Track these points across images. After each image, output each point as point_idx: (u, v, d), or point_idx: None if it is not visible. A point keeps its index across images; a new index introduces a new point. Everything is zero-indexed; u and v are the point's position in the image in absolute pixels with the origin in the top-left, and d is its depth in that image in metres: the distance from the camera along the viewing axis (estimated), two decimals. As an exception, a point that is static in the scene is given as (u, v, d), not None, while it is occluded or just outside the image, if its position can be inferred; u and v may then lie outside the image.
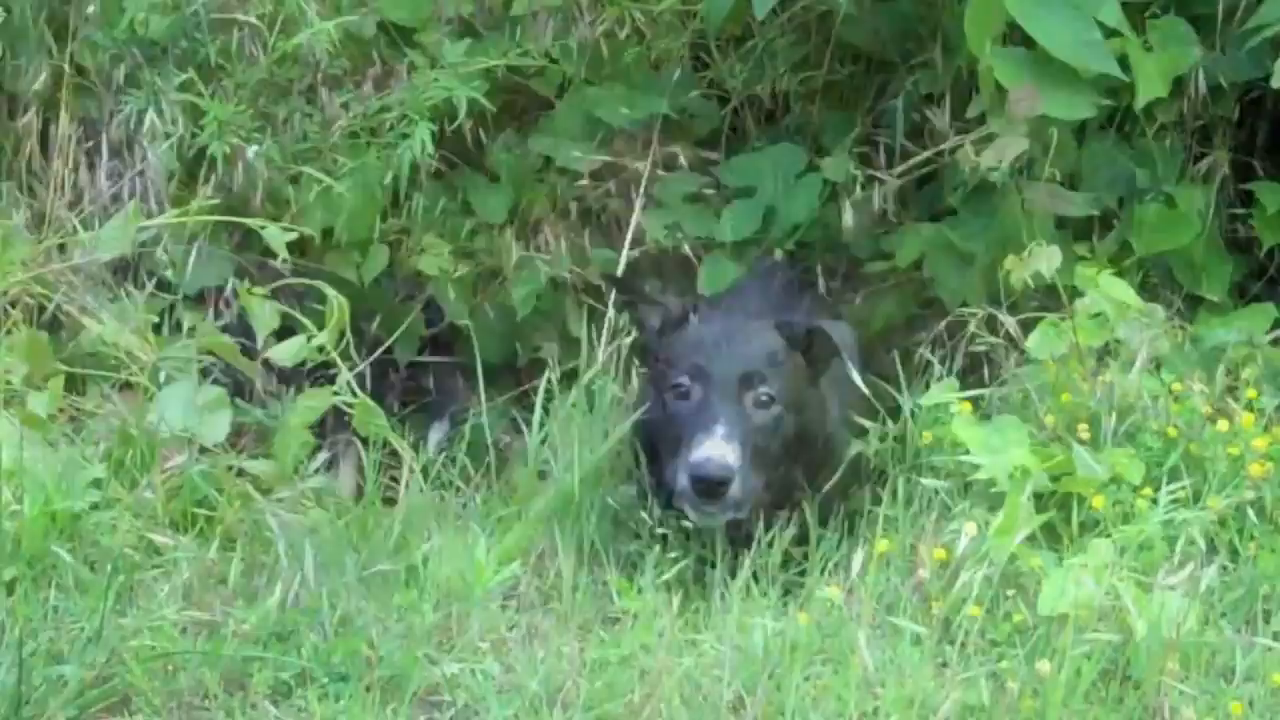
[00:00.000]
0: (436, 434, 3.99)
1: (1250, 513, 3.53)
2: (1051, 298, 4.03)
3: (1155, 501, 3.52)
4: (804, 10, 4.78)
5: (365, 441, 3.79)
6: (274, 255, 4.02)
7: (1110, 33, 4.19)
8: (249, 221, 4.09)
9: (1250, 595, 3.33)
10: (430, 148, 4.32)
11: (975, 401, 3.91)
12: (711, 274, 4.52)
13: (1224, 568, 3.39)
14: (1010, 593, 3.37)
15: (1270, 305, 4.22)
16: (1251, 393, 3.84)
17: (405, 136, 4.35)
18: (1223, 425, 3.74)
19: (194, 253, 4.28)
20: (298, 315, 3.93)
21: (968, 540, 3.36)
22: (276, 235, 3.96)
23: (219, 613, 3.25)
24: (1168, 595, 3.20)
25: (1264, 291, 4.46)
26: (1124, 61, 4.23)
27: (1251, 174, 4.61)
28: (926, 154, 4.46)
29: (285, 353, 3.85)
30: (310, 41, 4.40)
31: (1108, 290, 4.05)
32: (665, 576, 3.45)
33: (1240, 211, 4.57)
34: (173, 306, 4.24)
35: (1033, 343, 4.04)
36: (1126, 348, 3.99)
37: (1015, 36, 4.22)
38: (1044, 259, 4.03)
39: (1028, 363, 4.04)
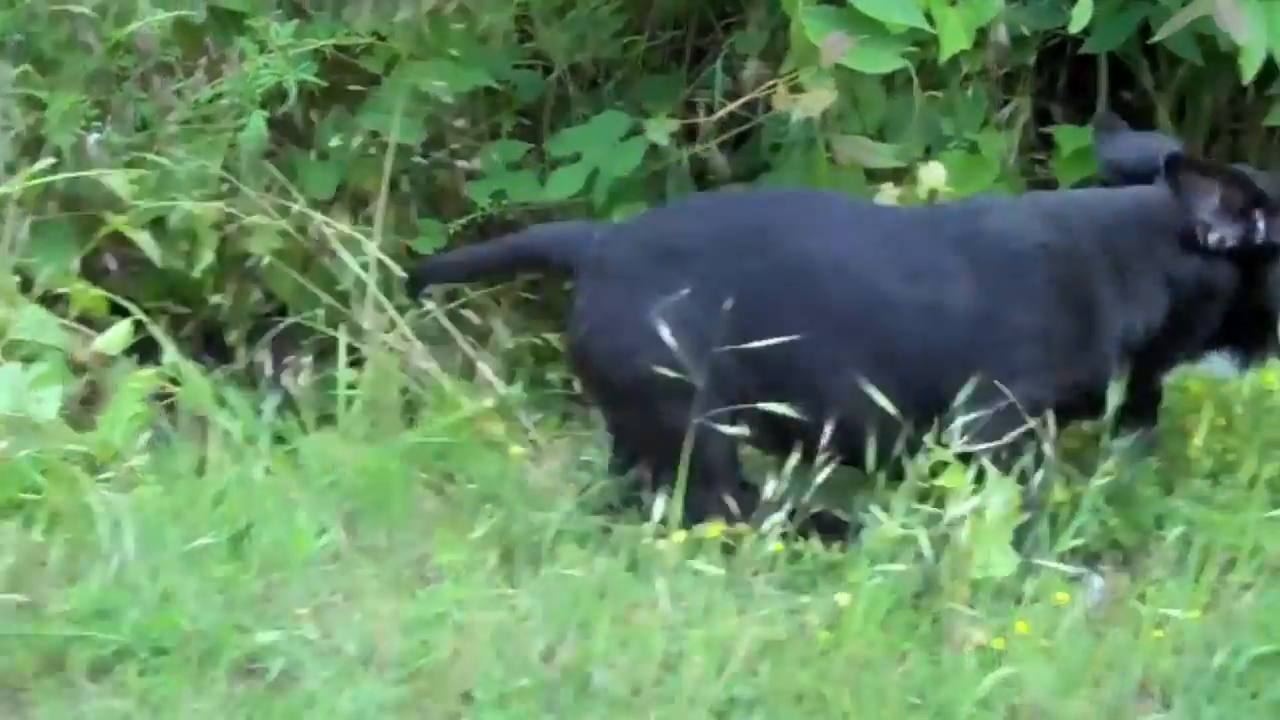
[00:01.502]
0: (269, 406, 3.99)
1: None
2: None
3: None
4: (626, -22, 4.82)
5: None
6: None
7: (918, -13, 4.24)
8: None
9: (1034, 522, 3.38)
10: (265, 135, 4.33)
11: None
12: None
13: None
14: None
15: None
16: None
17: (240, 125, 4.36)
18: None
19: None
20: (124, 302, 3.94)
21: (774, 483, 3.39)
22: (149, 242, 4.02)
23: (42, 595, 3.26)
24: (958, 526, 3.25)
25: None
26: (930, 15, 4.27)
27: (1052, 119, 4.69)
28: (737, 104, 4.46)
29: (112, 341, 3.88)
30: (144, 30, 4.40)
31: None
32: (478, 533, 3.48)
33: (1040, 156, 4.63)
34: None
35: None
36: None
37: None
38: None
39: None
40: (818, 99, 4.21)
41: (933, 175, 4.24)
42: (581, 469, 3.87)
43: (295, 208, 4.35)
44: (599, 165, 4.58)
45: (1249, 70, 4.12)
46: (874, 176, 4.41)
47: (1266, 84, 4.38)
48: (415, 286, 4.21)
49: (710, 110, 4.58)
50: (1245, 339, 3.56)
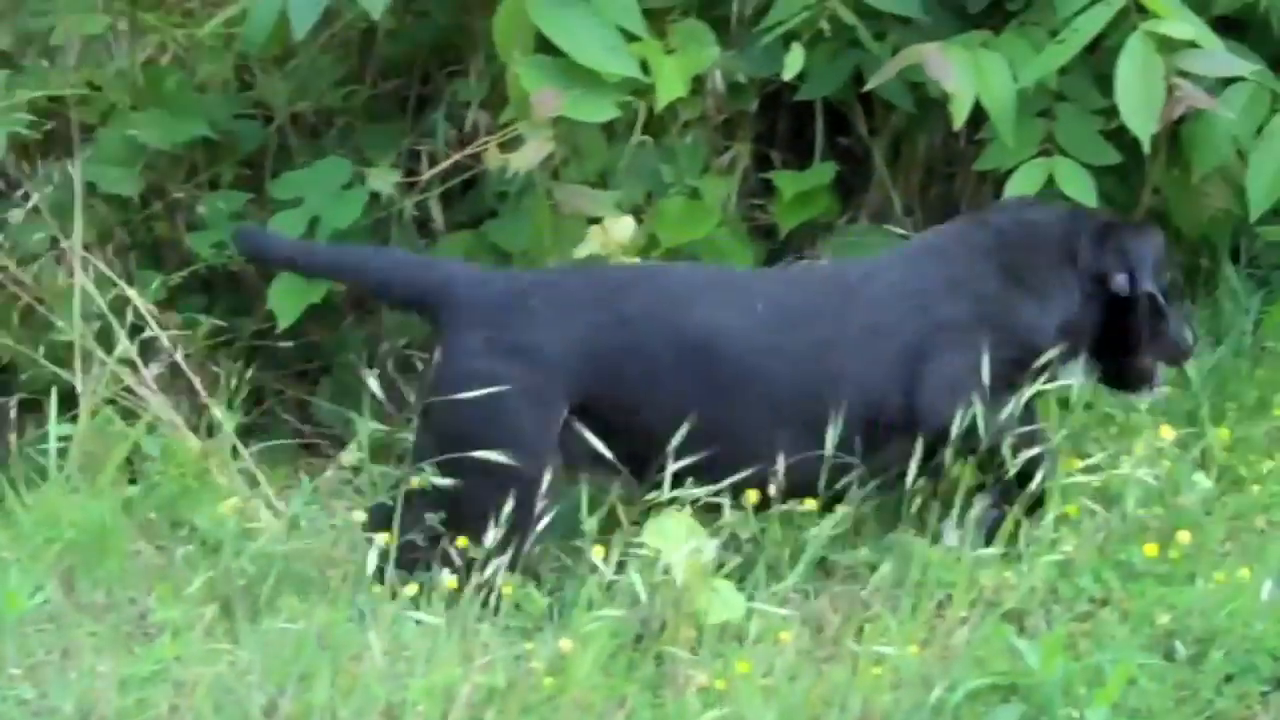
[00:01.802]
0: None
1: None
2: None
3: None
4: (345, 27, 4.79)
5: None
6: None
7: (633, 38, 4.25)
8: None
9: (752, 563, 3.41)
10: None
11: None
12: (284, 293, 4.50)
13: (731, 539, 3.45)
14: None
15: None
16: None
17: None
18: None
19: None
20: None
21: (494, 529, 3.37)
22: None
23: None
24: (674, 569, 3.26)
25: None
26: (647, 64, 4.30)
27: (772, 164, 4.75)
28: (456, 158, 4.45)
29: None
30: None
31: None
32: (195, 586, 3.42)
33: (761, 201, 4.68)
34: None
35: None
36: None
37: (546, 45, 4.26)
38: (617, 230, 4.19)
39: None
40: (536, 149, 4.22)
41: (622, 228, 4.23)
42: (308, 519, 3.81)
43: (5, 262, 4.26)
44: (320, 213, 4.53)
45: (958, 117, 4.21)
46: (597, 222, 4.42)
47: (977, 129, 4.47)
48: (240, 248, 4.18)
49: (433, 158, 4.56)
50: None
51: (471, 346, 3.56)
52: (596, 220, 4.39)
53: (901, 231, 4.53)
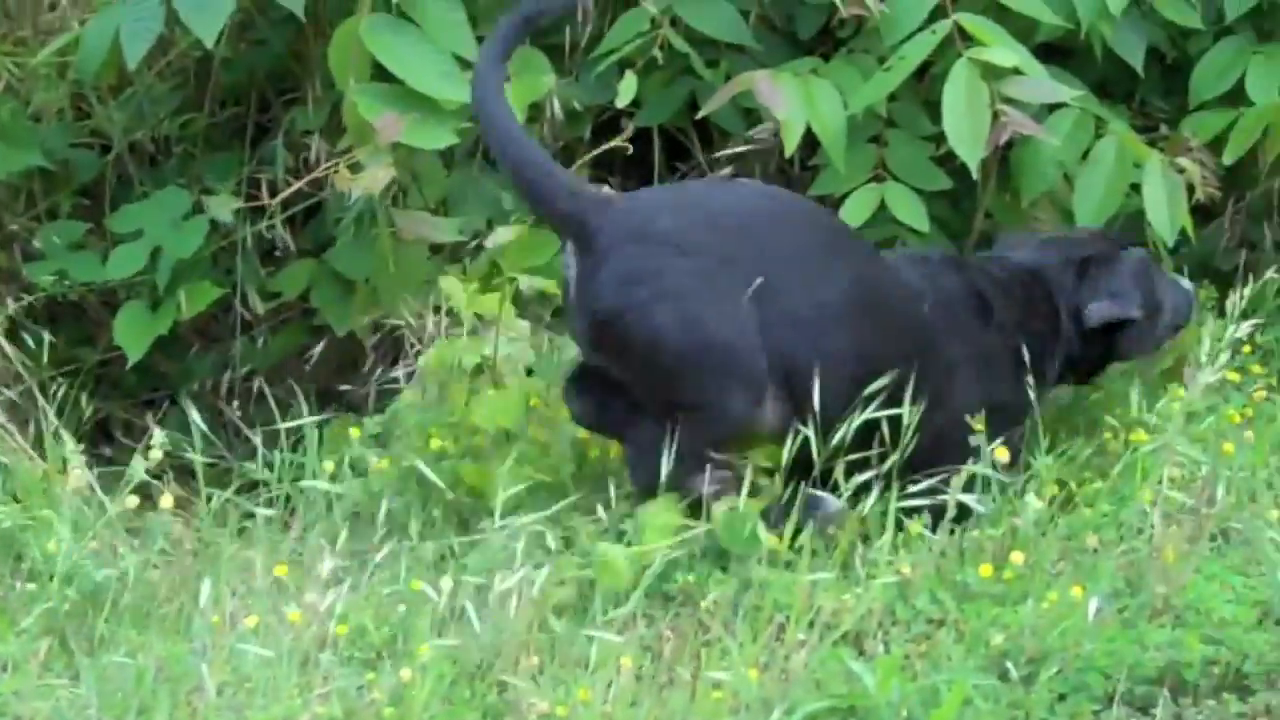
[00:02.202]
0: None
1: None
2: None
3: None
4: (181, 55, 4.72)
5: None
6: None
7: (468, 64, 4.21)
8: None
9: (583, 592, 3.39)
10: None
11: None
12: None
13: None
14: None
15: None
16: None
17: None
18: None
19: None
20: None
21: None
22: None
23: None
24: (508, 596, 3.23)
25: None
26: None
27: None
28: (298, 185, 4.40)
29: None
30: None
31: (480, 307, 4.10)
32: (29, 621, 3.34)
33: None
34: None
35: (424, 361, 4.06)
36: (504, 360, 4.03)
37: (383, 72, 4.22)
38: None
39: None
40: (376, 176, 4.17)
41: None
42: (146, 548, 3.73)
43: None
44: (161, 243, 4.48)
45: (789, 143, 4.22)
46: (440, 249, 4.38)
47: (812, 154, 4.48)
48: None
49: (273, 186, 4.51)
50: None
51: None
52: (439, 247, 4.36)
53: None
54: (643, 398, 3.55)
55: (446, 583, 3.31)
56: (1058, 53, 4.55)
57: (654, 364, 3.50)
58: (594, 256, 3.53)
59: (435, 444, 3.85)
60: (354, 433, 3.92)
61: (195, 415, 3.61)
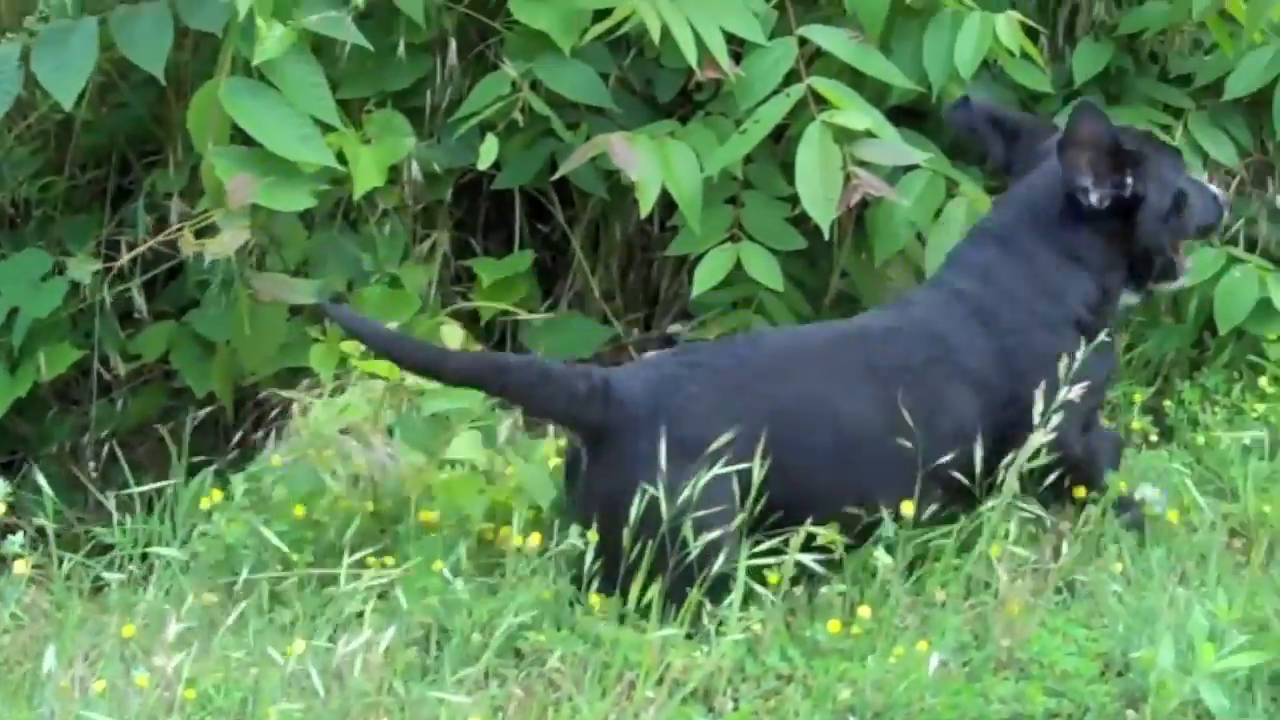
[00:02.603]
0: None
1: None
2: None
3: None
4: (41, 118, 4.68)
5: None
6: None
7: (328, 127, 4.20)
8: None
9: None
10: None
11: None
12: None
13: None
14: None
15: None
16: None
17: None
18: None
19: None
20: None
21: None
22: None
23: None
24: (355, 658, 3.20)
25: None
26: (343, 154, 4.25)
27: (473, 251, 4.72)
28: (150, 243, 4.36)
29: None
30: None
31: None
32: None
33: (460, 289, 4.66)
34: None
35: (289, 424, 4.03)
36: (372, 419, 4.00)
37: (243, 135, 4.19)
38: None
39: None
40: (232, 238, 4.14)
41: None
42: None
43: None
44: (19, 304, 4.42)
45: (645, 205, 4.22)
46: (301, 309, 4.35)
47: (670, 215, 4.48)
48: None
49: (134, 248, 4.47)
50: (1138, 275, 3.89)
51: None
52: (299, 309, 4.33)
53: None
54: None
55: (299, 645, 3.27)
56: (911, 115, 4.58)
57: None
58: (599, 461, 3.51)
59: (298, 508, 3.80)
60: (215, 495, 3.87)
61: (43, 480, 3.54)
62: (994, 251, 3.84)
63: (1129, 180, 3.82)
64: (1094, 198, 3.81)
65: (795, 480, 3.51)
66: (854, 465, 3.59)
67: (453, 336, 4.14)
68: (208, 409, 4.53)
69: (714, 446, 3.42)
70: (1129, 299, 3.95)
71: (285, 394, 4.01)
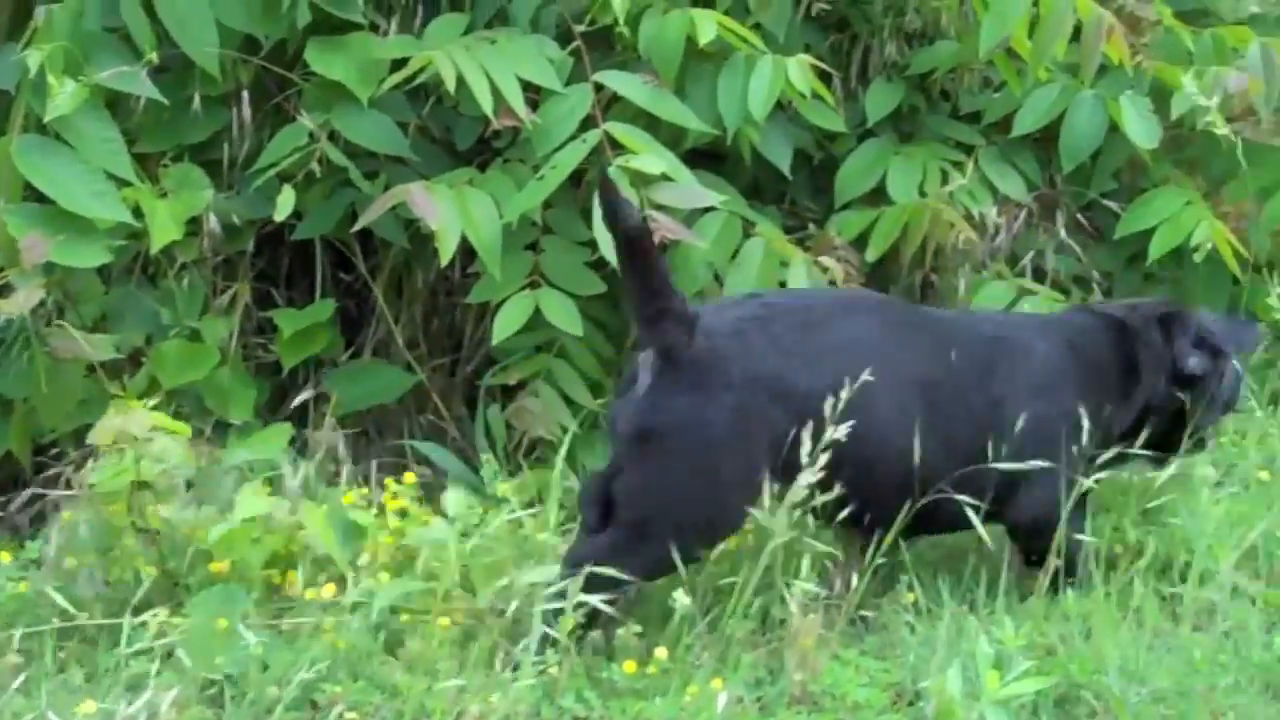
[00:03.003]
0: None
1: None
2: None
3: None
4: None
5: None
6: None
7: (124, 182, 4.15)
8: None
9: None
10: None
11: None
12: None
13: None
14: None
15: (286, 425, 4.25)
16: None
17: None
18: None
19: None
20: None
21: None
22: None
23: None
24: None
25: (289, 410, 4.52)
26: (140, 209, 4.20)
27: (275, 303, 4.67)
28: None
29: None
30: None
31: (135, 424, 3.99)
32: None
33: (262, 340, 4.61)
34: None
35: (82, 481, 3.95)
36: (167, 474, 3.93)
37: (36, 192, 4.12)
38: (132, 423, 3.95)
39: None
40: (26, 297, 4.07)
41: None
42: None
43: None
44: None
45: (444, 253, 4.20)
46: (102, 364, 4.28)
47: (471, 261, 4.47)
48: None
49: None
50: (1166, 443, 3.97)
51: None
52: (91, 367, 4.26)
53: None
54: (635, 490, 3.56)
55: (89, 705, 3.21)
56: (709, 157, 4.60)
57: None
58: (664, 383, 3.53)
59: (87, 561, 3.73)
60: (3, 556, 3.79)
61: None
62: None
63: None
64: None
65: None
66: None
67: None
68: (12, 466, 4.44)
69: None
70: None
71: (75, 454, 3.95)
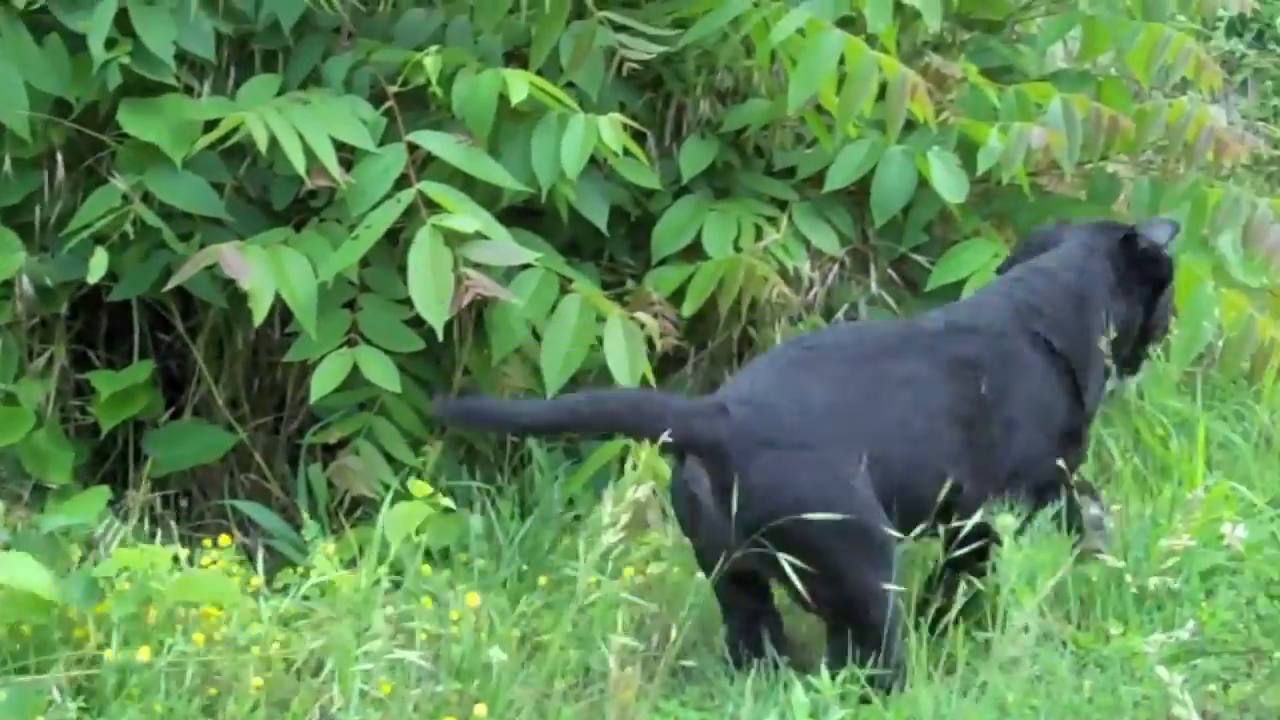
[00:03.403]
0: None
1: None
2: None
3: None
4: None
5: None
6: None
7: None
8: None
9: None
10: None
11: None
12: None
13: None
14: None
15: (104, 488, 4.18)
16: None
17: None
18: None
19: None
20: None
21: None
22: None
23: None
24: None
25: (108, 473, 4.45)
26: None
27: (93, 364, 4.60)
28: None
29: None
30: None
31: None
32: None
33: (80, 402, 4.54)
34: None
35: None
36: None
37: None
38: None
39: None
40: None
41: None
42: None
43: None
44: None
45: (258, 313, 4.16)
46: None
47: (290, 320, 4.41)
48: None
49: None
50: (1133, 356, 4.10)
51: None
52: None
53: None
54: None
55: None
56: (526, 214, 4.60)
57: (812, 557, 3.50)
58: (729, 471, 3.50)
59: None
60: None
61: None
62: None
63: None
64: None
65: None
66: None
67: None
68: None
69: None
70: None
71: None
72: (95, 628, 3.52)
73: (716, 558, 3.56)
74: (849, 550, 3.52)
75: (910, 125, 4.78)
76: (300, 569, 3.80)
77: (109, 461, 4.49)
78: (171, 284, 4.27)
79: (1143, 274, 4.04)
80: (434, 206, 4.27)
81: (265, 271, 4.17)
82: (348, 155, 4.38)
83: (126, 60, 4.34)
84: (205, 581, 3.58)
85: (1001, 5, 5.40)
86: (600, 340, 4.37)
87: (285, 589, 3.72)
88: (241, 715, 3.38)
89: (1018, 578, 3.45)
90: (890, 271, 4.97)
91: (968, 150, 4.82)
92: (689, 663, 3.67)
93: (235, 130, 4.27)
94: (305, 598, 3.62)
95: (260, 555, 3.92)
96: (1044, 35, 5.34)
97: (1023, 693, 3.42)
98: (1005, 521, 3.50)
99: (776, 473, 3.50)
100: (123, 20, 4.35)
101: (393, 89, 4.47)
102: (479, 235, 4.26)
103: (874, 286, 4.80)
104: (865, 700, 3.48)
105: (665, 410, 3.59)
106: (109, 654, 3.42)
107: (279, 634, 3.54)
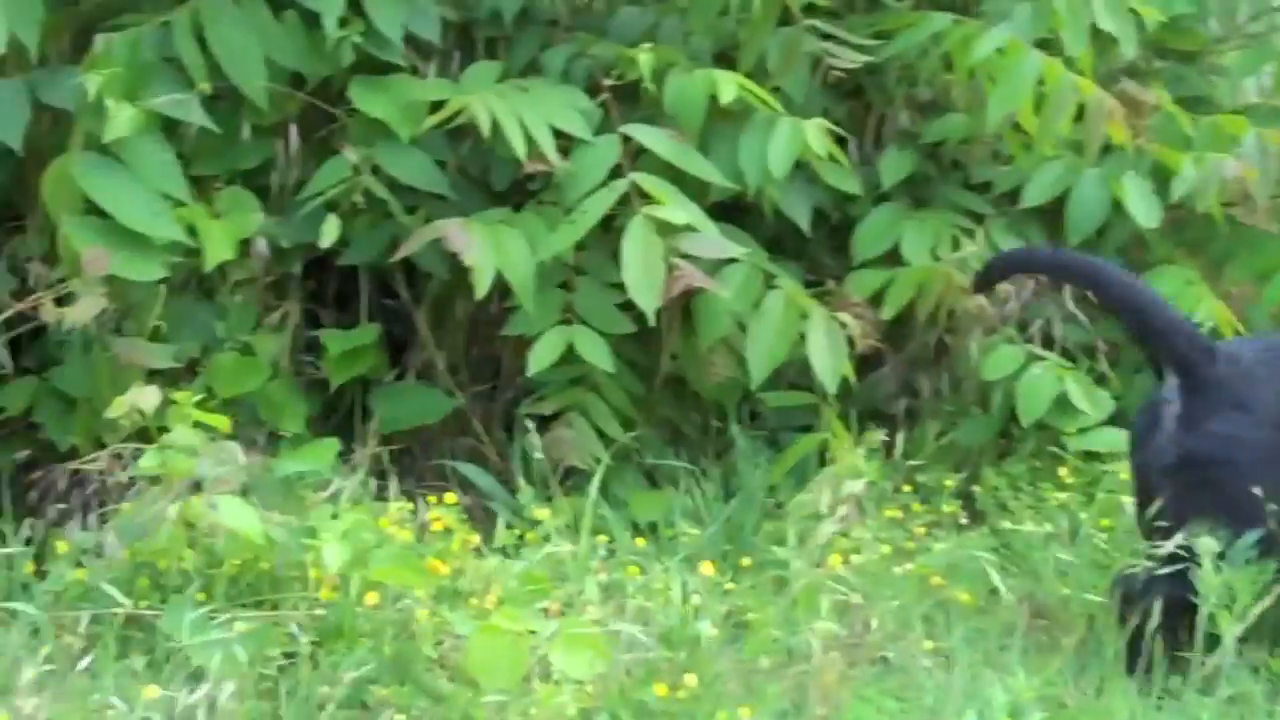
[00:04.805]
0: None
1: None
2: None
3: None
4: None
5: None
6: None
7: (179, 202, 4.12)
8: None
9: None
10: None
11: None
12: None
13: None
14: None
15: (334, 439, 4.19)
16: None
17: None
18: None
19: None
20: None
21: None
22: None
23: None
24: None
25: (336, 425, 4.47)
26: (195, 228, 4.18)
27: (321, 323, 4.63)
28: (17, 309, 4.21)
29: None
30: None
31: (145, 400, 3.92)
32: None
33: (309, 358, 4.56)
34: None
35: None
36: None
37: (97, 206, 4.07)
38: (142, 399, 3.90)
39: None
40: (89, 305, 4.04)
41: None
42: None
43: None
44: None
45: (480, 287, 4.18)
46: (161, 373, 4.19)
47: (508, 295, 4.42)
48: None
49: (-1, 308, 4.31)
50: None
51: None
52: (156, 371, 4.19)
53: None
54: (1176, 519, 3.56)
55: (152, 691, 3.16)
56: (732, 210, 4.57)
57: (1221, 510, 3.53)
58: (1200, 404, 3.58)
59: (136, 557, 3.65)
60: (61, 547, 3.72)
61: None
62: None
63: None
64: None
65: None
66: None
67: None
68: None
69: None
70: None
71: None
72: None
73: (1147, 481, 3.63)
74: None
75: (1105, 149, 4.71)
76: (517, 531, 3.81)
77: (337, 416, 4.50)
78: (400, 255, 4.30)
79: None
80: (646, 197, 4.27)
81: (487, 249, 4.19)
82: (564, 143, 4.38)
83: (358, 39, 4.37)
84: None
85: (1197, 36, 5.29)
86: (802, 336, 4.35)
87: (503, 550, 3.73)
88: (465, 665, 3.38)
89: (1217, 601, 3.40)
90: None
91: (1160, 177, 4.74)
92: (887, 653, 3.65)
93: (459, 112, 4.29)
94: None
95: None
96: (1238, 68, 5.26)
97: (1217, 712, 3.38)
98: (1206, 545, 3.45)
99: (1234, 428, 3.54)
100: (354, 1, 4.37)
101: (607, 82, 4.47)
102: (689, 227, 4.25)
103: (1069, 304, 4.72)
104: (1062, 705, 3.44)
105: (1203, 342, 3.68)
106: (330, 595, 3.44)
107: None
